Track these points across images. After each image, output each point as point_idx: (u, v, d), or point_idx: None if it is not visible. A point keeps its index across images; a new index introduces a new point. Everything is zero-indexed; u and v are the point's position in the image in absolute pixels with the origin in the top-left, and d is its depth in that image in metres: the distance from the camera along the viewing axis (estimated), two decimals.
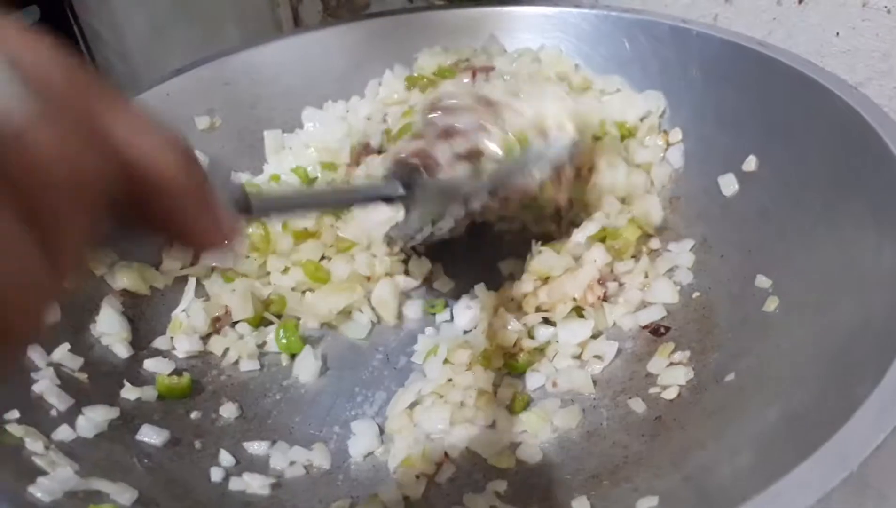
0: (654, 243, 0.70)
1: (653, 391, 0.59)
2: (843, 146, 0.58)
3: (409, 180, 0.58)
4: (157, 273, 0.71)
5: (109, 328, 0.65)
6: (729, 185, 0.68)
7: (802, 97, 0.63)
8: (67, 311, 0.63)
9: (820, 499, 0.36)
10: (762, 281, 0.60)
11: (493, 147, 0.60)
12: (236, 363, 0.67)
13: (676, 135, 0.74)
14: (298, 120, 0.82)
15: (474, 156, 0.59)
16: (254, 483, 0.56)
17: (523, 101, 0.63)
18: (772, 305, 0.58)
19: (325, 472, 0.58)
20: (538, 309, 0.67)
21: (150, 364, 0.65)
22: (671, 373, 0.60)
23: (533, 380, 0.63)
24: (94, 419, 0.56)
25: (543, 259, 0.67)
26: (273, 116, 0.82)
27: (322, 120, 0.81)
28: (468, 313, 0.67)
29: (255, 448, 0.59)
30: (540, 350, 0.65)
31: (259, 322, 0.70)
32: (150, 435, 0.58)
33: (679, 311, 0.65)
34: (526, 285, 0.67)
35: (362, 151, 0.78)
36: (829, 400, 0.45)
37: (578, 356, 0.65)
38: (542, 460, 0.57)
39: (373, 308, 0.70)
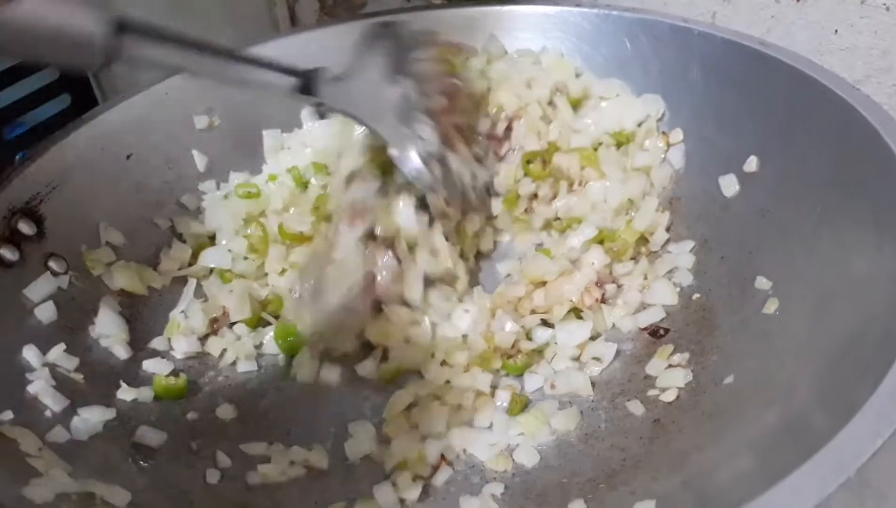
0: (654, 245, 0.70)
1: (651, 393, 0.59)
2: (844, 147, 0.57)
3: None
4: (155, 274, 0.71)
5: (108, 330, 0.64)
6: (730, 185, 0.67)
7: (804, 97, 0.62)
8: (64, 311, 0.62)
9: (818, 505, 0.36)
10: (762, 283, 0.60)
11: None
12: (234, 363, 0.67)
13: (677, 135, 0.73)
14: (297, 120, 0.81)
15: None
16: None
17: None
18: (771, 307, 0.57)
19: (321, 473, 0.58)
20: (534, 312, 0.67)
21: (148, 365, 0.65)
22: (670, 375, 0.59)
23: (531, 382, 0.63)
24: (89, 420, 0.56)
25: (536, 264, 0.67)
26: (272, 116, 0.81)
27: (321, 120, 0.80)
28: (466, 316, 0.67)
29: (252, 448, 0.59)
30: (538, 352, 0.65)
31: (257, 323, 0.70)
32: (147, 437, 0.58)
33: (678, 313, 0.65)
34: (518, 288, 0.67)
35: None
36: (828, 403, 0.44)
37: (577, 358, 0.64)
38: (540, 462, 0.57)
39: None
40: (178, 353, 0.67)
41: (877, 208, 0.52)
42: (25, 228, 0.63)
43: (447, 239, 0.69)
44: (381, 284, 0.65)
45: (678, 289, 0.66)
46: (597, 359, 0.64)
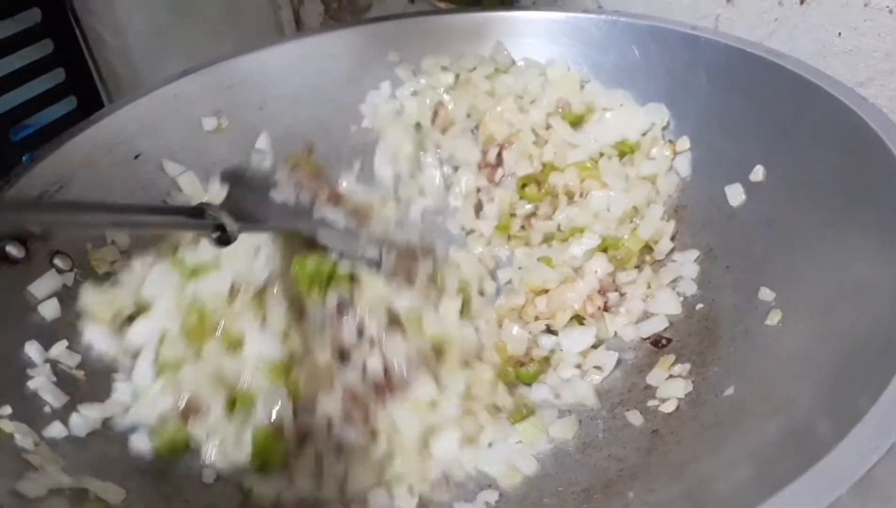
0: (658, 254, 0.69)
1: (651, 403, 0.58)
2: (850, 157, 0.57)
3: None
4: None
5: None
6: (736, 195, 0.67)
7: (811, 106, 0.61)
8: (68, 308, 0.63)
9: None
10: (766, 294, 0.59)
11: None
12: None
13: (684, 144, 0.73)
14: (304, 121, 0.82)
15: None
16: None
17: None
18: (774, 318, 0.57)
19: None
20: (537, 318, 0.66)
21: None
22: (670, 386, 0.59)
23: (538, 391, 0.63)
24: (88, 417, 0.56)
25: (537, 272, 0.67)
26: (280, 119, 0.81)
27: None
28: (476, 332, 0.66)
29: None
30: (546, 360, 0.64)
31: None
32: (144, 435, 0.58)
33: (681, 322, 0.64)
34: (518, 297, 0.67)
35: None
36: (829, 414, 0.44)
37: (579, 366, 0.64)
38: (537, 471, 0.56)
39: None
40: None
41: (882, 219, 0.52)
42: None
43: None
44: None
45: (682, 299, 0.66)
46: (598, 368, 0.63)
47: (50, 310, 0.62)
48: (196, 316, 0.61)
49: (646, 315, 0.66)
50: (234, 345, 0.60)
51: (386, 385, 0.59)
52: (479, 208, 0.79)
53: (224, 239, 0.57)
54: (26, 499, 0.45)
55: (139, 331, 0.62)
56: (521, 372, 0.63)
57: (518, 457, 0.57)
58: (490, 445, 0.59)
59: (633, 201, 0.71)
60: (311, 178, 0.69)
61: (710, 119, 0.71)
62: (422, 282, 0.66)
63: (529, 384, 0.64)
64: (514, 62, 0.82)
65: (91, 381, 0.60)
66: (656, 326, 0.64)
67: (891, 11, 0.67)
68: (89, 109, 0.90)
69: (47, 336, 0.60)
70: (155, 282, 0.64)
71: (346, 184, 0.80)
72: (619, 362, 0.63)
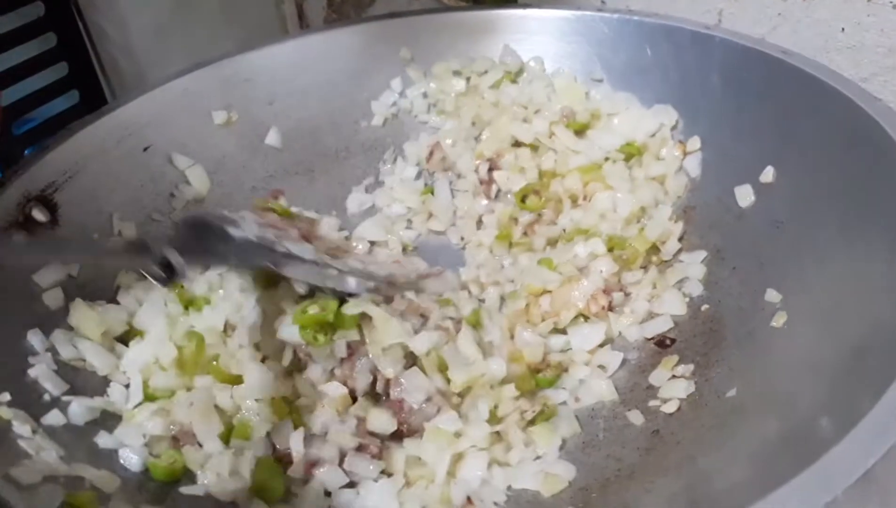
0: (666, 254, 0.69)
1: (652, 403, 0.58)
2: (862, 159, 0.56)
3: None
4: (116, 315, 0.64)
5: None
6: (745, 196, 0.66)
7: (824, 108, 0.61)
8: (72, 298, 0.63)
9: None
10: (772, 295, 0.58)
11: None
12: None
13: (695, 144, 0.72)
14: (314, 117, 0.82)
15: None
16: None
17: None
18: (780, 320, 0.56)
19: None
20: (543, 318, 0.66)
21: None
22: (672, 386, 0.58)
23: (557, 396, 0.61)
24: (86, 405, 0.56)
25: (537, 275, 0.66)
26: (289, 114, 0.82)
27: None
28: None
29: None
30: (561, 364, 0.63)
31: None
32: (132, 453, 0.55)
33: (686, 323, 0.64)
34: (519, 301, 0.66)
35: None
36: (829, 416, 0.43)
37: (587, 364, 0.63)
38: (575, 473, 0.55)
39: None
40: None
41: (891, 222, 0.51)
42: (39, 215, 0.64)
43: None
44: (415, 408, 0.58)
45: (687, 299, 0.65)
46: (602, 367, 0.62)
47: (54, 299, 0.62)
48: (192, 347, 0.61)
49: (650, 315, 0.65)
50: (231, 381, 0.59)
51: (403, 422, 0.57)
52: (479, 221, 0.78)
53: (170, 275, 0.56)
54: (20, 485, 0.45)
55: (130, 357, 0.61)
56: (540, 379, 0.62)
57: (551, 464, 0.55)
58: (519, 462, 0.56)
59: (640, 201, 0.70)
60: (280, 219, 0.67)
61: (721, 119, 0.70)
62: (435, 318, 0.63)
63: (548, 388, 0.62)
64: (523, 65, 0.81)
65: (91, 370, 0.61)
66: (661, 326, 0.64)
67: (894, 7, 0.66)
68: (92, 103, 0.90)
69: (50, 325, 0.60)
70: (148, 310, 0.64)
71: (326, 228, 0.77)
72: (622, 362, 0.63)
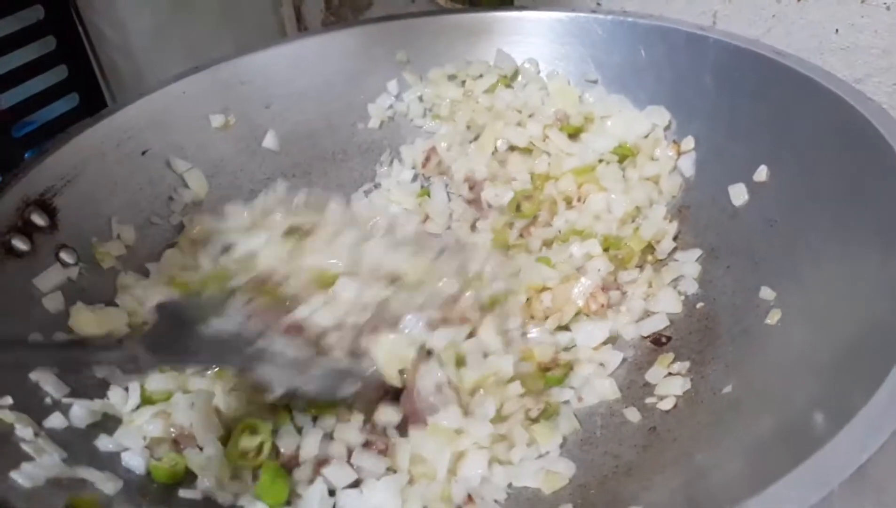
0: (660, 253, 0.69)
1: (649, 401, 0.58)
2: (855, 158, 0.57)
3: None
4: (115, 315, 0.65)
5: None
6: (739, 195, 0.66)
7: (817, 107, 0.61)
8: (72, 302, 0.63)
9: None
10: (766, 293, 0.59)
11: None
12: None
13: (689, 144, 0.73)
14: (311, 120, 0.82)
15: None
16: None
17: None
18: (774, 317, 0.56)
19: None
20: (546, 316, 0.66)
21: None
22: (669, 384, 0.58)
23: (561, 394, 0.61)
24: (87, 408, 0.57)
25: (536, 272, 0.67)
26: (287, 116, 0.82)
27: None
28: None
29: None
30: (569, 364, 0.63)
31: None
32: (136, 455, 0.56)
33: (682, 321, 0.64)
34: (520, 296, 0.66)
35: None
36: (824, 412, 0.44)
37: (590, 361, 0.63)
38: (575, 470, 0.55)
39: None
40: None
41: (883, 219, 0.51)
42: (38, 219, 0.64)
43: None
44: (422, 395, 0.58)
45: (682, 297, 0.66)
46: (602, 365, 0.63)
47: (54, 303, 0.62)
48: None
49: (646, 314, 0.65)
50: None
51: (411, 411, 0.58)
52: (473, 225, 0.79)
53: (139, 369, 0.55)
54: (23, 489, 0.46)
55: None
56: (549, 377, 0.62)
57: (553, 462, 0.55)
58: (521, 460, 0.56)
59: (634, 201, 0.71)
60: (268, 309, 0.61)
61: (715, 119, 0.71)
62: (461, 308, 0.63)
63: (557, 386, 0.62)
64: (517, 69, 0.82)
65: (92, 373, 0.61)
66: (657, 324, 0.64)
67: (888, 8, 0.67)
68: (91, 105, 0.91)
69: (51, 329, 0.61)
70: None
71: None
72: (620, 360, 0.63)
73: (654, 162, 0.73)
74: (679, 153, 0.73)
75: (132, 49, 0.91)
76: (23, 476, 0.46)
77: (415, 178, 0.84)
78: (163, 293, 0.65)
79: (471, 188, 0.79)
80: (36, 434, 0.51)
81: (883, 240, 0.51)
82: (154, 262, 0.71)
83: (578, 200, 0.73)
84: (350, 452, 0.57)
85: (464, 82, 0.83)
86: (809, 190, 0.60)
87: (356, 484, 0.55)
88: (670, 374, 0.59)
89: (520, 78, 0.82)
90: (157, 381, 0.59)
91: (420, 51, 0.84)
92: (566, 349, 0.64)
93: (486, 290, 0.66)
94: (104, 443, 0.55)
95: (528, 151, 0.78)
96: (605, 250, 0.69)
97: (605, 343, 0.64)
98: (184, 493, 0.54)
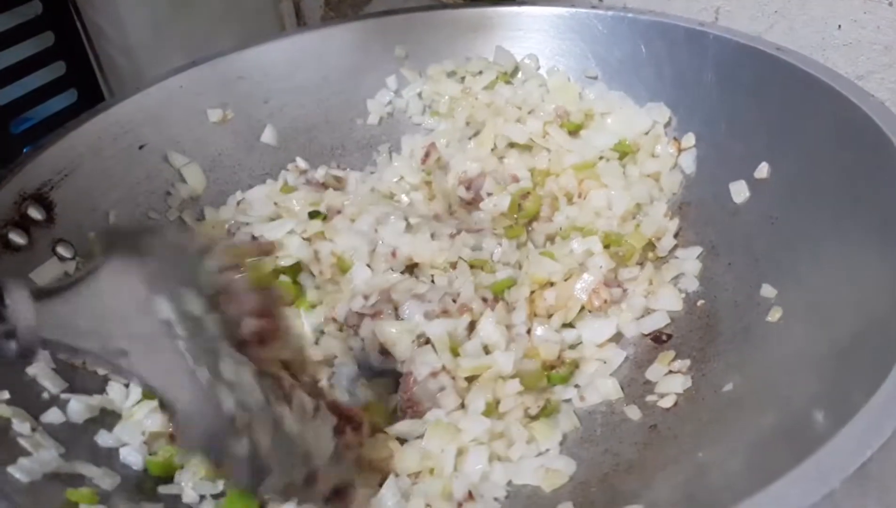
0: (661, 251, 0.69)
1: (650, 398, 0.58)
2: (856, 156, 0.56)
3: None
4: None
5: None
6: (740, 192, 0.66)
7: (818, 104, 0.61)
8: None
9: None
10: (767, 290, 0.58)
11: None
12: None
13: (689, 140, 0.72)
14: (309, 115, 0.82)
15: None
16: None
17: None
18: (775, 315, 0.56)
19: None
20: (550, 314, 0.66)
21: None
22: (669, 381, 0.58)
23: (563, 393, 0.61)
24: (85, 403, 0.56)
25: (541, 265, 0.66)
26: (285, 111, 0.82)
27: None
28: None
29: None
30: (575, 362, 0.63)
31: None
32: (133, 450, 0.56)
33: (682, 319, 0.64)
34: (523, 289, 0.66)
35: None
36: (824, 411, 0.43)
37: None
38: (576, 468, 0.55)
39: None
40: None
41: (884, 216, 0.51)
42: (35, 213, 0.64)
43: None
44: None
45: (683, 295, 0.65)
46: (604, 363, 0.63)
47: None
48: None
49: (647, 311, 0.65)
50: None
51: (409, 398, 0.58)
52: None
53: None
54: (20, 483, 0.45)
55: None
56: (553, 375, 0.62)
57: (553, 459, 0.55)
58: (520, 458, 0.55)
59: (635, 198, 0.71)
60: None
61: (716, 116, 0.71)
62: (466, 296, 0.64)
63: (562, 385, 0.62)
64: (517, 65, 0.82)
65: (90, 369, 0.60)
66: (657, 322, 0.64)
67: (890, 4, 0.67)
68: (89, 101, 0.90)
69: None
70: None
71: (353, 181, 0.79)
72: (623, 358, 0.63)
73: (655, 159, 0.73)
74: (679, 150, 0.73)
75: (130, 45, 0.91)
76: (20, 471, 0.46)
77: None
78: None
79: (467, 188, 0.78)
80: (33, 429, 0.51)
81: (883, 236, 0.51)
82: None
83: (579, 196, 0.73)
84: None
85: (463, 79, 0.83)
86: (810, 187, 0.60)
87: None
88: (671, 372, 0.59)
89: (519, 74, 0.82)
90: None
91: (419, 46, 0.83)
92: (572, 346, 0.64)
93: (491, 276, 0.66)
94: (104, 439, 0.55)
95: (527, 147, 0.77)
96: (606, 246, 0.68)
97: (609, 341, 0.64)
98: (164, 489, 0.53)
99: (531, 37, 0.80)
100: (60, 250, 0.65)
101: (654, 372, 0.60)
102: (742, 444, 0.48)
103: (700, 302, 0.64)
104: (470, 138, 0.81)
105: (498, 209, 0.74)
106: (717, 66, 0.70)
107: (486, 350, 0.61)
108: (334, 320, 0.66)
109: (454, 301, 0.63)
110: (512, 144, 0.78)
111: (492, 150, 0.78)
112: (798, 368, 0.50)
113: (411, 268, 0.69)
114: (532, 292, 0.66)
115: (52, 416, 0.54)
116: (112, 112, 0.73)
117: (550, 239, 0.72)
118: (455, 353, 0.60)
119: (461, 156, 0.79)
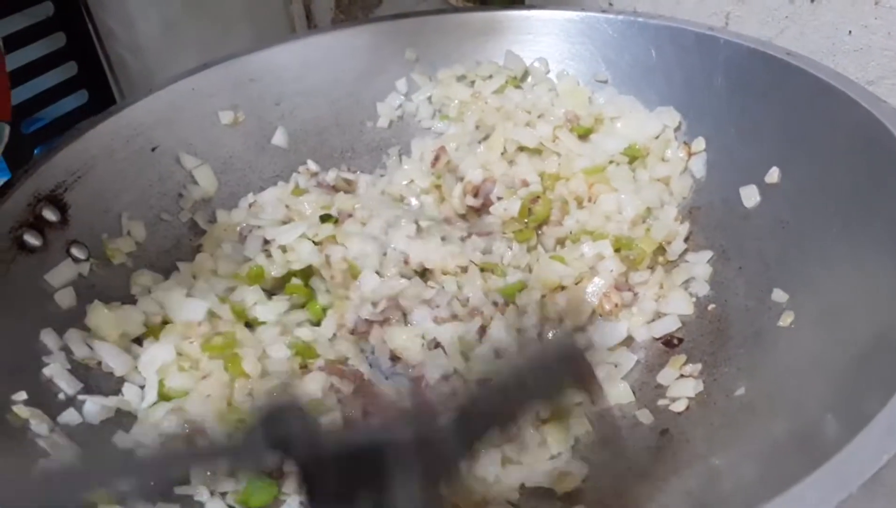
0: (671, 254, 0.69)
1: (661, 402, 0.58)
2: (867, 160, 0.57)
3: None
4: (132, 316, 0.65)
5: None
6: (750, 196, 0.66)
7: (829, 109, 0.61)
8: (83, 297, 0.63)
9: None
10: (779, 295, 0.59)
11: None
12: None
13: (700, 145, 0.73)
14: (320, 117, 0.82)
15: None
16: None
17: None
18: (787, 319, 0.56)
19: None
20: (561, 319, 0.66)
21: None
22: (681, 385, 0.59)
23: (575, 396, 0.61)
24: (101, 404, 0.57)
25: (551, 269, 0.67)
26: (296, 114, 0.82)
27: None
28: None
29: None
30: None
31: None
32: (160, 424, 0.57)
33: (693, 323, 0.64)
34: (534, 292, 0.66)
35: None
36: (838, 416, 0.44)
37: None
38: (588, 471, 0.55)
39: None
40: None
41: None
42: (50, 214, 0.64)
43: None
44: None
45: (694, 299, 0.66)
46: (615, 366, 0.63)
47: (66, 299, 0.62)
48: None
49: (658, 315, 0.66)
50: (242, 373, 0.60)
51: (421, 400, 0.58)
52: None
53: None
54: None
55: (147, 357, 0.61)
56: None
57: (565, 463, 0.56)
58: (533, 460, 0.56)
59: (645, 202, 0.71)
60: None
61: (726, 120, 0.71)
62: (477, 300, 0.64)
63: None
64: (527, 69, 0.82)
65: (105, 369, 0.61)
66: (668, 326, 0.64)
67: None
68: (101, 102, 0.91)
69: (63, 324, 0.61)
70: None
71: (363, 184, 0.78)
72: (634, 362, 0.63)
73: (665, 163, 0.73)
74: (690, 154, 0.73)
75: (141, 46, 0.91)
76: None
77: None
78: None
79: (474, 196, 0.78)
80: (51, 430, 0.52)
81: (895, 242, 0.51)
82: (164, 259, 0.72)
83: (589, 200, 0.73)
84: None
85: (473, 83, 0.83)
86: (822, 192, 0.60)
87: None
88: (682, 376, 0.59)
89: (529, 79, 0.82)
90: (177, 378, 0.59)
91: (429, 49, 0.83)
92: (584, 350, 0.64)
93: (502, 280, 0.67)
94: (122, 439, 0.55)
95: (537, 151, 0.78)
96: (617, 250, 0.68)
97: (620, 345, 0.64)
98: (180, 490, 0.53)
99: (541, 40, 0.81)
100: (75, 251, 0.65)
101: (665, 376, 0.60)
102: (755, 449, 0.48)
103: (711, 306, 0.64)
104: (480, 142, 0.81)
105: (508, 213, 0.74)
106: (728, 70, 0.70)
107: (498, 355, 0.61)
108: (345, 326, 0.66)
109: (463, 306, 0.64)
110: (522, 148, 0.78)
111: (502, 154, 0.79)
112: (810, 373, 0.50)
113: (422, 271, 0.69)
114: (543, 296, 0.67)
115: (69, 417, 0.54)
116: (124, 114, 0.73)
117: (561, 243, 0.73)
118: (466, 357, 0.60)
119: (471, 159, 0.79)
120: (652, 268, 0.69)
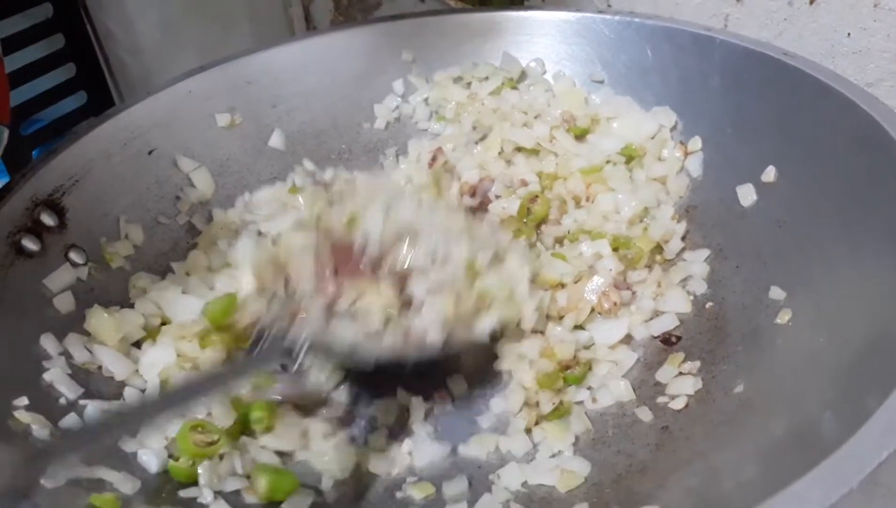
0: (669, 253, 0.70)
1: (661, 400, 0.59)
2: (864, 159, 0.57)
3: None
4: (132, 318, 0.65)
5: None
6: (747, 195, 0.67)
7: (825, 108, 0.62)
8: (82, 302, 0.63)
9: None
10: (776, 293, 0.59)
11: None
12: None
13: (696, 144, 0.73)
14: (317, 119, 0.82)
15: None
16: None
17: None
18: (785, 317, 0.57)
19: None
20: (561, 316, 0.66)
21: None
22: (680, 383, 0.59)
23: (577, 394, 0.61)
24: (102, 409, 0.57)
25: (553, 267, 0.67)
26: (293, 116, 0.82)
27: None
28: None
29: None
30: (589, 363, 0.63)
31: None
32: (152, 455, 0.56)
33: (691, 321, 0.65)
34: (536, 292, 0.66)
35: None
36: (836, 413, 0.44)
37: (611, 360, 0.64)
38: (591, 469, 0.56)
39: None
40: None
41: (893, 222, 0.52)
42: (48, 219, 0.64)
43: None
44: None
45: (692, 297, 0.66)
46: (615, 365, 0.63)
47: (65, 303, 0.62)
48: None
49: (656, 314, 0.66)
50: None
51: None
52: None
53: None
54: (45, 490, 0.46)
55: (147, 360, 0.61)
56: (569, 376, 0.62)
57: (567, 460, 0.56)
58: (535, 458, 0.57)
59: (642, 202, 0.71)
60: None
61: (722, 120, 0.71)
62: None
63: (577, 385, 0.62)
64: (523, 71, 0.82)
65: (105, 373, 0.61)
66: (666, 324, 0.65)
67: None
68: (99, 104, 0.91)
69: (62, 329, 0.61)
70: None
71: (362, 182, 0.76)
72: (635, 360, 0.63)
73: (662, 163, 0.74)
74: (686, 154, 0.73)
75: (140, 48, 0.91)
76: (44, 478, 0.46)
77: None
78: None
79: (472, 196, 0.78)
80: (52, 435, 0.52)
81: (892, 240, 0.51)
82: (162, 261, 0.71)
83: (587, 199, 0.73)
84: None
85: (469, 84, 0.83)
86: (818, 191, 0.60)
87: None
88: (681, 373, 0.60)
89: (526, 80, 0.82)
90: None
91: (426, 50, 0.84)
92: (586, 347, 0.64)
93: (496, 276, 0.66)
94: (128, 444, 0.55)
95: (535, 151, 0.78)
96: (615, 249, 0.69)
97: (620, 342, 0.64)
98: (184, 493, 0.53)
99: (538, 41, 0.81)
100: (73, 255, 0.65)
101: (664, 374, 0.61)
102: (754, 446, 0.48)
103: (708, 304, 0.65)
104: (476, 143, 0.81)
105: (507, 212, 0.74)
106: (724, 70, 0.71)
107: None
108: None
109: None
110: (519, 149, 0.78)
111: (499, 154, 0.79)
112: (809, 370, 0.51)
113: None
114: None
115: (70, 421, 0.54)
116: (121, 117, 0.73)
117: (559, 242, 0.73)
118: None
119: (468, 160, 0.80)
120: (650, 267, 0.69)
